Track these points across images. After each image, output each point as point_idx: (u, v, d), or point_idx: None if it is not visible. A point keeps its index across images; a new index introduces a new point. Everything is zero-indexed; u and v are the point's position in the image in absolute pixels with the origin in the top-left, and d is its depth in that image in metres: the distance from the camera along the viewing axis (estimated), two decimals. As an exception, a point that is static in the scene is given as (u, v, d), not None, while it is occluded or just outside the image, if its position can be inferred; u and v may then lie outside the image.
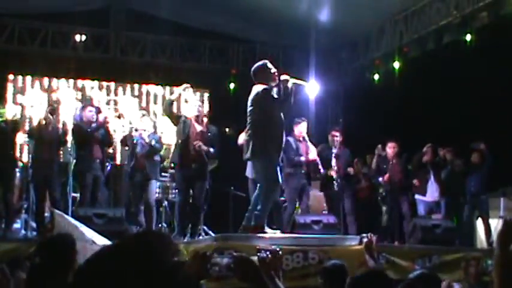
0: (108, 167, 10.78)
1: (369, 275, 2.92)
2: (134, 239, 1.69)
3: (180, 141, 8.97)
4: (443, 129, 11.11)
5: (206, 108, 14.31)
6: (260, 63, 7.87)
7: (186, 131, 8.84)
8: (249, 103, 7.64)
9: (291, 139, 9.43)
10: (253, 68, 7.86)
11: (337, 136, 10.14)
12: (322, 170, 9.72)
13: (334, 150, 9.99)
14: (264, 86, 7.58)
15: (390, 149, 10.28)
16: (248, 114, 7.65)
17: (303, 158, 9.55)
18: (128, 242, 1.68)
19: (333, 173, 9.87)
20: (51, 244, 4.26)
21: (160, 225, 10.13)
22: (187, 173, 8.92)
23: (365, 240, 6.20)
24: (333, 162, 9.90)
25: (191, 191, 9.11)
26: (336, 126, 10.70)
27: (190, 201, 9.15)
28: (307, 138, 9.72)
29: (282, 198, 9.44)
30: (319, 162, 9.67)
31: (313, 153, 9.65)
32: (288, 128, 8.69)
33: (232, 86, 13.92)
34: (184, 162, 8.89)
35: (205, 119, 9.32)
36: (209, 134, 9.04)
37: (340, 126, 10.74)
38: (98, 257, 1.60)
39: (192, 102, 9.65)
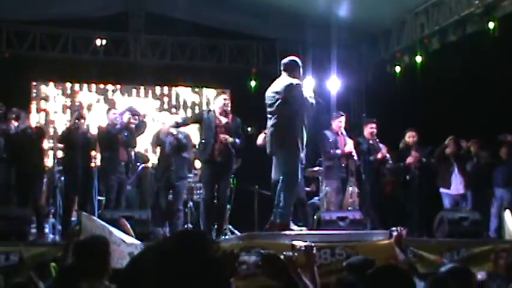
0: (139, 168, 10.83)
1: (384, 269, 2.87)
2: (176, 238, 1.69)
3: (205, 135, 8.87)
4: (466, 122, 10.99)
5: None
6: (293, 58, 7.89)
7: (211, 125, 8.77)
8: (276, 92, 7.62)
9: (328, 133, 9.67)
10: (286, 61, 7.85)
11: (373, 128, 10.15)
12: (357, 162, 9.75)
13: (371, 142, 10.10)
14: (298, 81, 7.57)
15: (410, 138, 10.24)
16: (274, 104, 7.61)
17: (339, 151, 9.60)
18: (169, 241, 1.68)
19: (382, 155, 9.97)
20: (86, 246, 4.29)
21: (186, 226, 10.15)
22: (214, 168, 8.84)
23: (395, 234, 6.13)
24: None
25: (216, 187, 9.05)
26: (372, 118, 10.65)
27: (215, 201, 9.14)
28: (344, 132, 9.79)
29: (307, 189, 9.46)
30: (355, 154, 9.72)
31: (349, 146, 9.70)
32: (326, 122, 9.21)
33: (253, 84, 13.92)
34: (210, 156, 8.78)
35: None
36: (235, 125, 9.00)
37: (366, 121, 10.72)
38: (142, 256, 1.60)
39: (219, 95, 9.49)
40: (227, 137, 8.72)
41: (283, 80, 7.67)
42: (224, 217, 9.23)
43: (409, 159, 10.10)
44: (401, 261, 5.58)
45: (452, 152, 10.26)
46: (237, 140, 8.89)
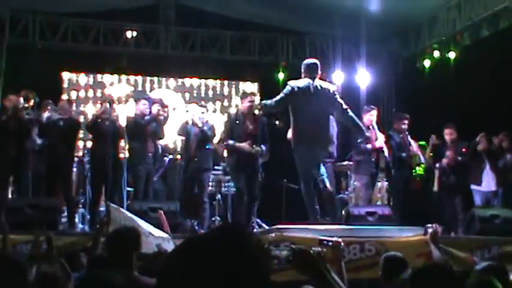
0: (167, 161, 10.88)
1: (432, 267, 2.85)
2: (217, 232, 1.68)
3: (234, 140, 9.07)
4: (498, 118, 10.84)
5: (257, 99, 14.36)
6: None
7: (240, 133, 8.98)
8: (325, 94, 7.96)
9: None
10: (318, 63, 8.23)
11: (406, 124, 10.09)
12: (388, 158, 9.70)
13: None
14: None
15: (447, 135, 10.12)
16: (325, 104, 7.94)
17: (370, 146, 9.54)
18: (211, 235, 1.67)
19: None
20: (117, 237, 4.31)
21: (213, 219, 10.18)
22: (243, 170, 9.03)
23: (430, 230, 6.06)
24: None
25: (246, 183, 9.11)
26: (404, 114, 10.56)
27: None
28: (375, 126, 9.71)
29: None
30: (386, 149, 9.66)
31: (380, 141, 9.63)
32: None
33: (281, 76, 13.91)
34: (238, 161, 9.02)
35: (257, 111, 9.24)
36: (262, 129, 9.05)
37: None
38: (182, 252, 1.59)
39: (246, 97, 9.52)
40: (256, 149, 8.84)
41: (327, 84, 8.19)
42: (252, 210, 9.25)
43: (444, 161, 10.00)
44: (436, 259, 5.53)
45: (483, 148, 10.14)
46: (263, 147, 9.02)
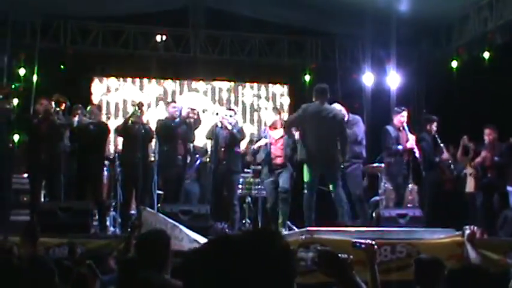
0: (197, 162, 10.91)
1: (470, 268, 2.82)
2: (247, 236, 1.69)
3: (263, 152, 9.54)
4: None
5: (286, 101, 14.39)
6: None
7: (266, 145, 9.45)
8: (335, 118, 8.60)
9: (390, 128, 9.60)
10: (327, 88, 8.76)
11: (434, 125, 10.09)
12: (419, 158, 9.63)
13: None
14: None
15: (486, 135, 9.97)
16: (333, 127, 8.58)
17: (400, 147, 9.49)
18: (236, 237, 1.68)
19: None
20: (147, 240, 4.33)
21: (244, 222, 10.18)
22: (273, 176, 9.38)
23: (467, 232, 5.98)
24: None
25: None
26: (433, 116, 10.51)
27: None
28: (406, 127, 9.66)
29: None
30: (417, 151, 9.61)
31: (411, 142, 9.57)
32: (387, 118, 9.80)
33: (307, 78, 13.89)
34: (270, 168, 9.44)
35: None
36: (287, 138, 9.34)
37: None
38: (207, 249, 1.60)
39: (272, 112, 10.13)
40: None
41: (334, 107, 8.92)
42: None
43: (478, 160, 9.88)
44: (472, 260, 5.46)
45: None
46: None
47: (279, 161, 9.36)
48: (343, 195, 8.55)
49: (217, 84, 14.31)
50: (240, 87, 14.41)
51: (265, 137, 9.49)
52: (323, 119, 8.52)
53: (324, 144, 8.50)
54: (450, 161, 10.19)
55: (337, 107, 9.23)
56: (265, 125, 10.36)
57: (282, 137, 9.36)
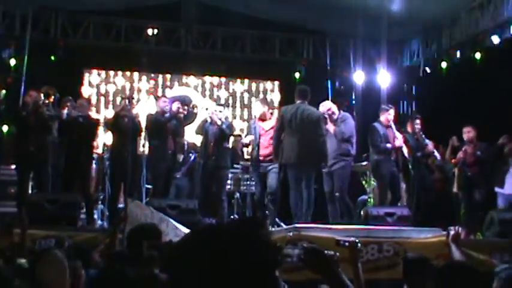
0: (192, 158, 10.90)
1: (458, 266, 2.83)
2: (230, 225, 1.69)
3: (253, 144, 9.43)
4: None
5: (276, 97, 14.39)
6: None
7: (256, 136, 9.32)
8: (309, 118, 8.66)
9: (378, 126, 9.57)
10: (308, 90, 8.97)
11: (418, 124, 10.13)
12: (407, 157, 9.66)
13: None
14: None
15: (465, 133, 10.03)
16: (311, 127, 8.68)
17: (389, 145, 9.51)
18: (223, 227, 1.68)
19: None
20: (137, 234, 4.32)
21: (232, 217, 10.18)
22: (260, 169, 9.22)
23: (452, 233, 6.03)
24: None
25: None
26: (416, 114, 10.59)
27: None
28: (393, 125, 9.68)
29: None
30: (405, 149, 9.65)
31: (399, 140, 9.60)
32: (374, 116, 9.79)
33: (297, 75, 13.91)
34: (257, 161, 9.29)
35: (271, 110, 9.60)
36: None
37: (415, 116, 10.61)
38: (189, 238, 1.60)
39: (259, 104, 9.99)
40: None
41: (311, 109, 8.92)
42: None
43: (459, 155, 9.92)
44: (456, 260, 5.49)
45: (510, 150, 10.01)
46: None
47: (267, 152, 9.23)
48: (306, 196, 8.70)
49: (208, 79, 14.29)
50: (230, 83, 14.40)
51: (254, 128, 9.39)
52: (297, 119, 8.68)
53: (298, 145, 8.60)
54: (434, 152, 10.17)
55: (327, 104, 9.25)
56: (254, 117, 10.23)
57: (272, 128, 9.26)
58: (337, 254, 2.69)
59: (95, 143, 9.69)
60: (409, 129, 10.17)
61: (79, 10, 13.14)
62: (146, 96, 13.83)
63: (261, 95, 14.29)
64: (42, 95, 8.76)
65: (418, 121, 10.13)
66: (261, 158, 9.21)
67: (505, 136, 10.02)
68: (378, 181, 9.73)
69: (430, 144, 10.01)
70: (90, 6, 13.04)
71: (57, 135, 9.19)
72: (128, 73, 13.94)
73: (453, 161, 10.06)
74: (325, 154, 8.78)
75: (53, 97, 8.85)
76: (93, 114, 9.78)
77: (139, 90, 13.84)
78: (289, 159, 8.63)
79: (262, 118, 9.47)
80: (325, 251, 2.66)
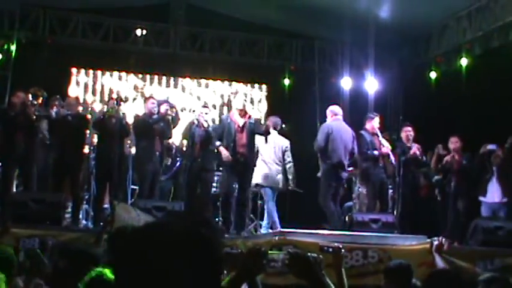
0: (178, 163, 10.86)
1: (442, 273, 2.86)
2: (173, 223, 1.69)
3: (226, 140, 9.27)
4: (507, 128, 10.78)
5: (264, 101, 14.41)
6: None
7: (231, 131, 9.19)
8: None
9: (365, 133, 9.61)
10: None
11: (410, 131, 10.11)
12: (394, 163, 9.68)
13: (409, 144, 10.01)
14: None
15: (452, 143, 10.08)
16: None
17: (376, 152, 9.53)
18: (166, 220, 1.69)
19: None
20: (118, 236, 4.29)
21: (216, 220, 10.15)
22: (235, 168, 9.20)
23: (436, 243, 6.09)
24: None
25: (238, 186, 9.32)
26: (406, 121, 10.61)
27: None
28: (379, 133, 9.73)
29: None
30: (392, 157, 9.68)
31: (386, 148, 9.64)
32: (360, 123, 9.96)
33: (286, 82, 13.92)
34: (233, 158, 9.16)
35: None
36: (250, 126, 9.23)
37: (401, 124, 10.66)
38: (146, 229, 1.62)
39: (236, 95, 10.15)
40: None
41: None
42: (246, 214, 9.42)
43: (446, 159, 9.97)
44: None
45: (497, 160, 10.05)
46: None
47: (242, 150, 9.16)
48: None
49: (195, 81, 14.26)
50: (218, 85, 14.37)
51: (228, 123, 9.27)
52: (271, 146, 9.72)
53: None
54: (424, 159, 10.20)
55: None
56: (230, 110, 10.18)
57: (244, 126, 9.20)
58: (321, 256, 2.71)
59: (84, 142, 9.63)
60: (402, 136, 10.18)
61: (67, 8, 13.06)
62: (133, 97, 13.78)
63: (248, 99, 14.26)
64: (30, 95, 8.71)
65: (409, 128, 10.16)
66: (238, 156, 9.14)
67: (484, 145, 10.10)
68: (367, 189, 9.71)
69: (416, 149, 10.04)
70: (79, 5, 12.98)
71: (49, 135, 9.15)
72: (115, 73, 13.87)
73: (437, 167, 10.11)
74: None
75: (41, 98, 8.80)
76: (81, 113, 9.71)
77: (126, 91, 13.78)
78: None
79: (240, 114, 9.31)
80: (309, 254, 2.68)
